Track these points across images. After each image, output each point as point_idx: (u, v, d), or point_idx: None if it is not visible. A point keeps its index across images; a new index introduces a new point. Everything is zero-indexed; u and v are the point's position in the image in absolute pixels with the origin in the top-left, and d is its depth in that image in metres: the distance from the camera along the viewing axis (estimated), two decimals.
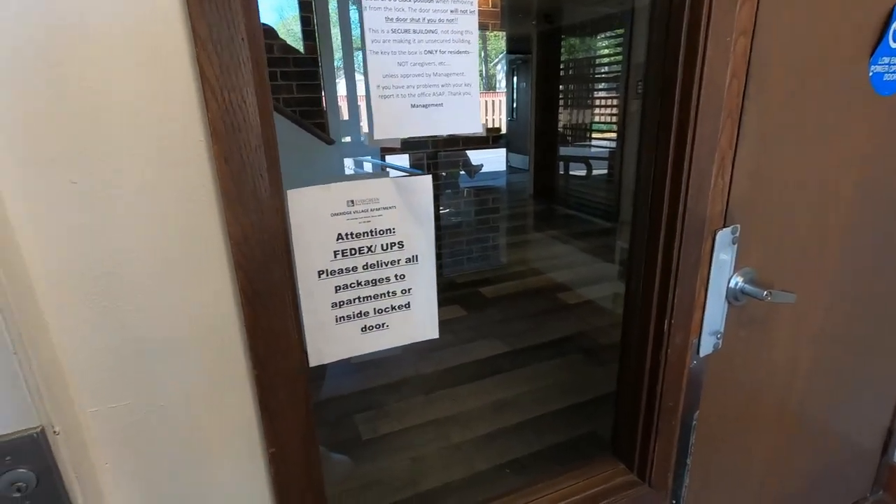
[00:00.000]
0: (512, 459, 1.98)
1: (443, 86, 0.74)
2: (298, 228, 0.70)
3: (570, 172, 6.37)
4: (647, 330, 1.04)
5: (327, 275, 0.76)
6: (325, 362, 0.78)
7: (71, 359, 0.58)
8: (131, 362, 0.62)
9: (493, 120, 11.67)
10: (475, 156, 5.14)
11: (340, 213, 0.74)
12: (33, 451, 0.54)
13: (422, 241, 0.80)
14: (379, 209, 0.76)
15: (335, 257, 0.75)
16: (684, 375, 1.06)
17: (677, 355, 1.03)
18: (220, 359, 0.67)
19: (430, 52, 0.72)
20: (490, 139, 7.11)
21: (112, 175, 0.55)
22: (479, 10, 0.74)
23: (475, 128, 0.77)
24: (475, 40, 0.74)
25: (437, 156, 3.60)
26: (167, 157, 0.57)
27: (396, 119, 0.72)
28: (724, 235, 0.98)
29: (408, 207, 0.78)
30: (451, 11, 0.71)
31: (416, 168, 3.67)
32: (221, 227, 0.61)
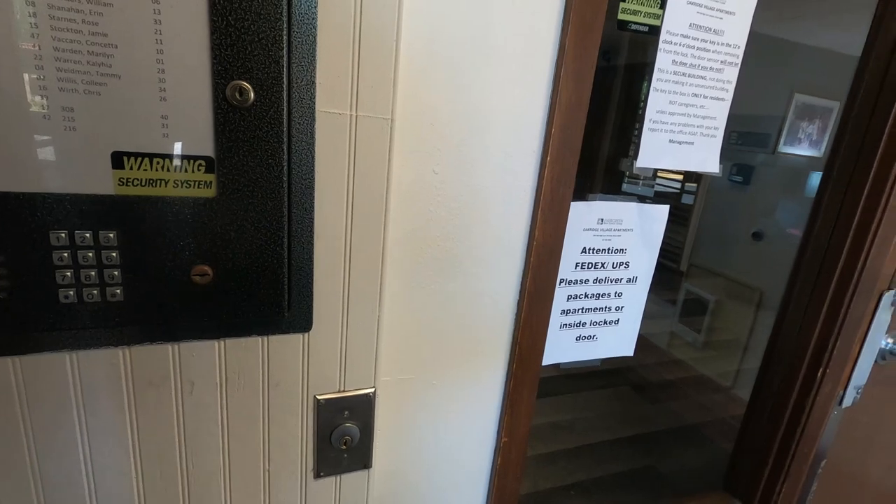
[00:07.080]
0: (575, 482, 2.01)
1: (697, 126, 0.80)
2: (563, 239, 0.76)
3: None
4: (796, 375, 1.09)
5: (566, 284, 0.81)
6: (541, 364, 0.84)
7: (389, 333, 0.64)
8: (423, 344, 0.67)
9: None
10: None
11: (590, 229, 0.80)
12: (365, 408, 0.59)
13: (644, 264, 0.86)
14: (620, 230, 0.82)
15: (575, 268, 0.81)
16: (824, 424, 1.10)
17: (822, 404, 1.08)
18: (487, 353, 0.72)
19: (696, 96, 0.79)
20: None
21: (470, 176, 0.61)
22: None
23: (714, 168, 0.83)
24: (732, 90, 0.81)
25: None
26: (506, 163, 0.63)
27: (657, 151, 0.78)
28: (888, 297, 1.03)
29: (641, 232, 0.84)
30: (721, 62, 0.78)
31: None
32: (526, 230, 0.67)
